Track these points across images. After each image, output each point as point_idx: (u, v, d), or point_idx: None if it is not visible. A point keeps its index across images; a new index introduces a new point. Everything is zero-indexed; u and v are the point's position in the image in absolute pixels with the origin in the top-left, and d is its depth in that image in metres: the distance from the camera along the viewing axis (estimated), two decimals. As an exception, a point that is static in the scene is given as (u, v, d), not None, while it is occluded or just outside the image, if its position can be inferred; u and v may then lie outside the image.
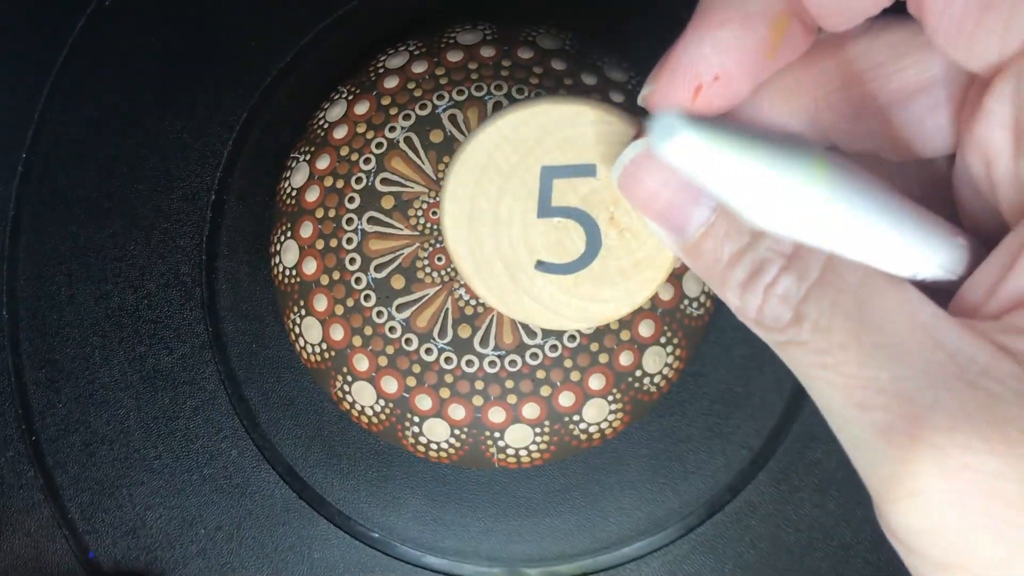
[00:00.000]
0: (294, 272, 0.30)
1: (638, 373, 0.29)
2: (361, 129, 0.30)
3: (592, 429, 0.30)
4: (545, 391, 0.29)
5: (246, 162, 0.34)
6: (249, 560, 0.33)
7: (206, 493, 0.33)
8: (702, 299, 0.30)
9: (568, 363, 0.29)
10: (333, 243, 0.29)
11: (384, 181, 0.29)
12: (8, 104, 0.35)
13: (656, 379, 0.30)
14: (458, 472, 0.33)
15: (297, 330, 0.31)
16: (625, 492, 0.33)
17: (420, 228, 0.29)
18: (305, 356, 0.31)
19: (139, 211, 0.34)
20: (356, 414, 0.31)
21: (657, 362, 0.30)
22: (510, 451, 0.30)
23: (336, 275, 0.29)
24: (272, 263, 0.31)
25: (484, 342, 0.29)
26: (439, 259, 0.29)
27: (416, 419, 0.29)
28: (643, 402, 0.30)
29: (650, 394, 0.30)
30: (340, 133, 0.30)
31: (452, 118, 0.30)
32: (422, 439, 0.30)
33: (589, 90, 0.30)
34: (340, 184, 0.30)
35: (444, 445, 0.30)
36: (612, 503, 0.33)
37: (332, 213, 0.30)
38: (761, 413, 0.33)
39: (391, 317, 0.29)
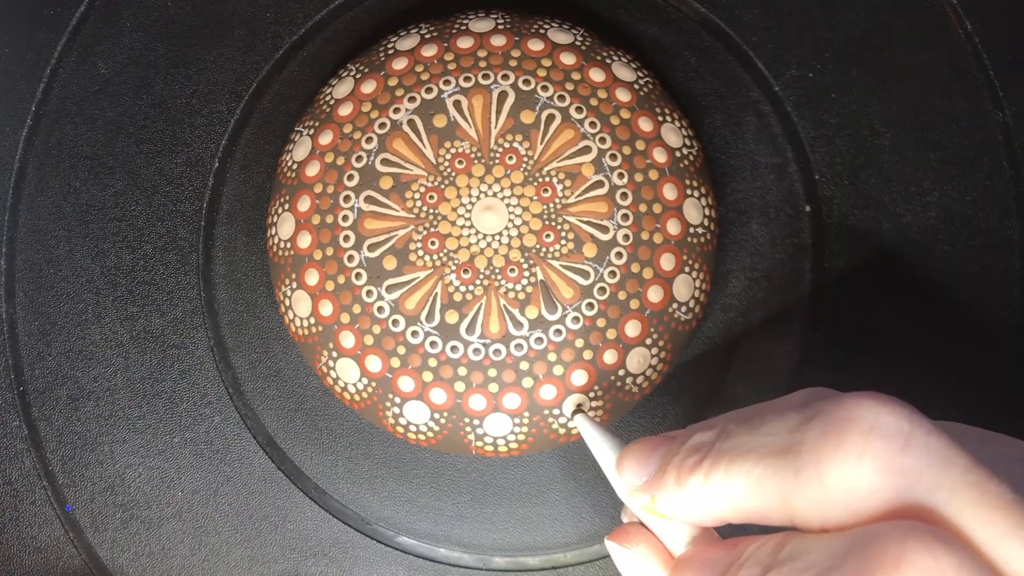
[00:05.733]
0: (288, 245, 0.30)
1: (621, 372, 0.29)
2: (366, 108, 0.30)
3: (571, 424, 0.30)
4: (527, 383, 0.29)
5: (251, 132, 0.35)
6: (223, 526, 0.33)
7: (186, 456, 0.33)
8: (691, 304, 0.30)
9: (552, 357, 0.29)
10: (329, 219, 0.30)
11: (384, 162, 0.30)
12: (22, 57, 0.35)
13: (639, 380, 0.30)
14: (436, 456, 0.33)
15: (288, 302, 0.31)
16: (600, 489, 0.33)
17: (416, 211, 0.29)
18: (293, 329, 0.31)
19: (142, 172, 0.35)
20: (339, 390, 0.31)
21: (641, 363, 0.30)
22: (488, 439, 0.30)
23: (329, 251, 0.30)
24: (268, 234, 0.32)
25: (470, 329, 0.29)
26: (432, 243, 0.29)
27: (397, 400, 0.30)
28: (624, 402, 0.30)
29: (632, 394, 0.30)
30: (345, 110, 0.31)
31: (456, 104, 0.30)
32: (402, 420, 0.30)
33: (596, 86, 0.30)
34: (341, 161, 0.30)
35: (423, 428, 0.30)
36: (586, 500, 0.33)
37: (331, 189, 0.30)
38: (742, 422, 0.33)
39: (380, 297, 0.29)
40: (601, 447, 0.26)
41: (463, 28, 0.31)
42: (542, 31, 0.31)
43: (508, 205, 0.29)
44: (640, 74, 0.31)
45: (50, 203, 0.34)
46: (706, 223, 0.31)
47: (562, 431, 0.30)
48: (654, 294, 0.29)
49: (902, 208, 0.34)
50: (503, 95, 0.30)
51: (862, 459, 0.19)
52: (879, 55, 0.34)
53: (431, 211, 0.29)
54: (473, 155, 0.29)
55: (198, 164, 0.35)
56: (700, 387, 0.33)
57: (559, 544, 0.33)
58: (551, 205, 0.29)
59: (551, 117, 0.30)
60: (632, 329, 0.29)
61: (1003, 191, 0.34)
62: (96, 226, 0.34)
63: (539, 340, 0.29)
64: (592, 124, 0.30)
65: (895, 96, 0.34)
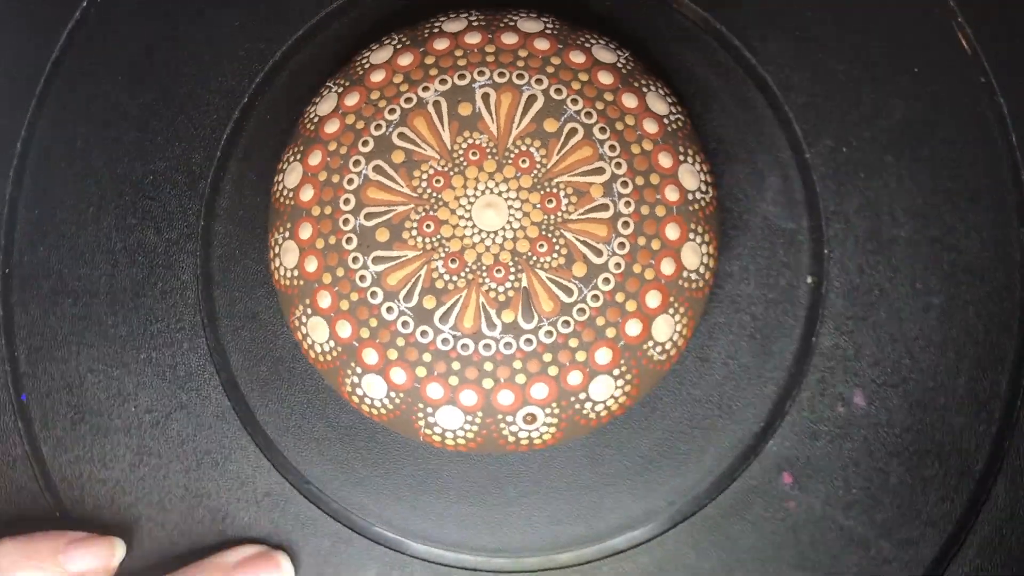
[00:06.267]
0: (291, 194, 0.31)
1: (582, 396, 0.29)
2: (397, 79, 0.30)
3: (522, 435, 0.30)
4: (487, 383, 0.29)
5: (286, 77, 0.35)
6: (166, 450, 0.33)
7: (148, 375, 0.34)
8: (667, 345, 0.30)
9: (518, 364, 0.29)
10: (335, 178, 0.30)
11: (401, 136, 0.30)
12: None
13: (598, 407, 0.30)
14: (387, 434, 0.33)
15: (277, 249, 0.31)
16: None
17: (420, 191, 0.29)
18: (277, 277, 0.31)
19: (173, 90, 0.35)
20: (307, 347, 0.31)
21: (604, 392, 0.30)
22: (437, 429, 0.30)
23: (328, 210, 0.30)
24: (275, 179, 0.32)
25: (444, 318, 0.29)
26: (428, 226, 0.29)
27: (359, 369, 0.30)
28: (579, 425, 0.30)
29: (588, 420, 0.30)
30: (377, 77, 0.31)
31: (485, 96, 0.30)
32: (359, 390, 0.30)
33: (625, 111, 0.30)
34: (360, 125, 0.30)
35: (377, 403, 0.30)
36: (522, 509, 0.33)
37: (344, 150, 0.30)
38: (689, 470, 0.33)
39: (365, 266, 0.29)
40: None
41: (511, 24, 0.31)
42: (587, 45, 0.31)
43: (510, 207, 0.29)
44: (673, 109, 0.31)
45: (78, 100, 0.35)
46: (701, 270, 0.30)
47: (511, 439, 0.30)
48: (632, 327, 0.29)
49: (903, 303, 0.33)
50: (532, 98, 0.30)
51: None
52: (917, 148, 0.34)
53: (434, 194, 0.29)
54: (488, 150, 0.29)
55: (229, 95, 0.35)
56: (659, 429, 0.33)
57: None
58: (552, 216, 0.29)
59: (573, 131, 0.30)
60: (602, 356, 0.29)
61: (1009, 310, 0.33)
62: (116, 131, 0.35)
63: (508, 345, 0.29)
64: (612, 148, 0.30)
65: (923, 191, 0.34)
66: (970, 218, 0.34)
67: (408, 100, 0.30)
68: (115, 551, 0.32)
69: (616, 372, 0.30)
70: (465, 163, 0.29)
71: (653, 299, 0.29)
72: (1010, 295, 0.33)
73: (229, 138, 0.35)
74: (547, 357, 0.29)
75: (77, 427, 0.34)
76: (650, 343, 0.30)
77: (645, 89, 0.31)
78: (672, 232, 0.30)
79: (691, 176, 0.31)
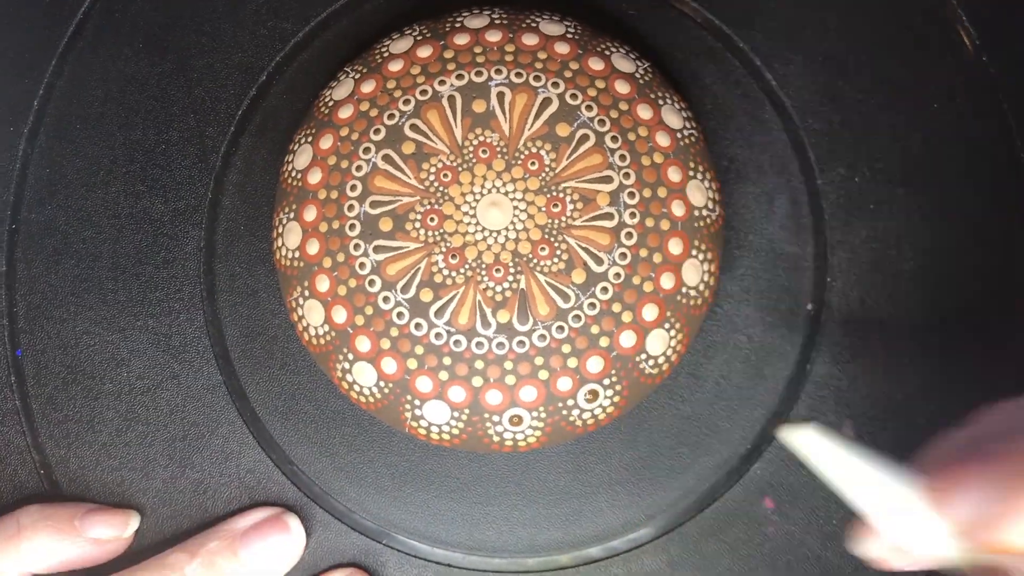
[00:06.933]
0: (299, 175, 0.31)
1: (570, 403, 0.29)
2: (415, 71, 0.30)
3: (506, 436, 0.30)
4: (476, 381, 0.29)
5: (307, 57, 0.35)
6: (154, 418, 0.33)
7: (143, 342, 0.34)
8: (660, 360, 0.30)
9: (508, 365, 0.29)
10: (344, 164, 0.30)
11: (413, 127, 0.30)
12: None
13: (584, 415, 0.30)
14: (374, 422, 0.33)
15: (281, 229, 0.31)
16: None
17: (427, 184, 0.29)
18: (279, 256, 0.31)
19: (192, 62, 0.35)
20: (301, 328, 0.31)
21: (592, 400, 0.30)
22: (423, 422, 0.30)
23: (334, 194, 0.30)
24: (285, 159, 0.32)
25: (440, 313, 0.29)
26: (432, 220, 0.29)
27: (351, 356, 0.30)
28: (564, 431, 0.30)
29: (574, 427, 0.30)
30: (395, 67, 0.31)
31: (500, 95, 0.30)
32: (349, 377, 0.30)
33: (639, 122, 0.30)
34: (374, 112, 0.30)
35: (366, 391, 0.30)
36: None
37: (355, 136, 0.30)
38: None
39: (366, 254, 0.29)
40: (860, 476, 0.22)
41: (533, 25, 0.31)
42: (607, 53, 0.31)
43: (516, 207, 0.29)
44: (688, 124, 0.31)
45: (98, 63, 0.35)
46: (701, 287, 0.30)
47: (496, 439, 0.30)
48: (627, 338, 0.29)
49: (901, 339, 0.33)
50: (547, 101, 0.30)
51: None
52: (930, 183, 0.34)
53: (441, 188, 0.29)
54: (499, 149, 0.29)
55: (248, 70, 0.35)
56: (644, 443, 0.33)
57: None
58: (556, 221, 0.29)
59: (585, 137, 0.29)
60: (594, 365, 0.29)
61: (1011, 356, 0.33)
62: (133, 98, 0.35)
63: (501, 345, 0.29)
64: (622, 157, 0.30)
65: (933, 228, 0.33)
66: (978, 260, 0.33)
67: (423, 92, 0.30)
68: (130, 522, 0.33)
69: (606, 382, 0.29)
70: (474, 160, 0.29)
71: (650, 312, 0.29)
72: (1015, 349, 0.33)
73: (244, 114, 0.35)
74: (538, 361, 0.29)
75: (69, 387, 0.34)
76: (643, 356, 0.30)
77: (661, 102, 0.31)
78: (675, 247, 0.30)
79: (699, 192, 0.30)
